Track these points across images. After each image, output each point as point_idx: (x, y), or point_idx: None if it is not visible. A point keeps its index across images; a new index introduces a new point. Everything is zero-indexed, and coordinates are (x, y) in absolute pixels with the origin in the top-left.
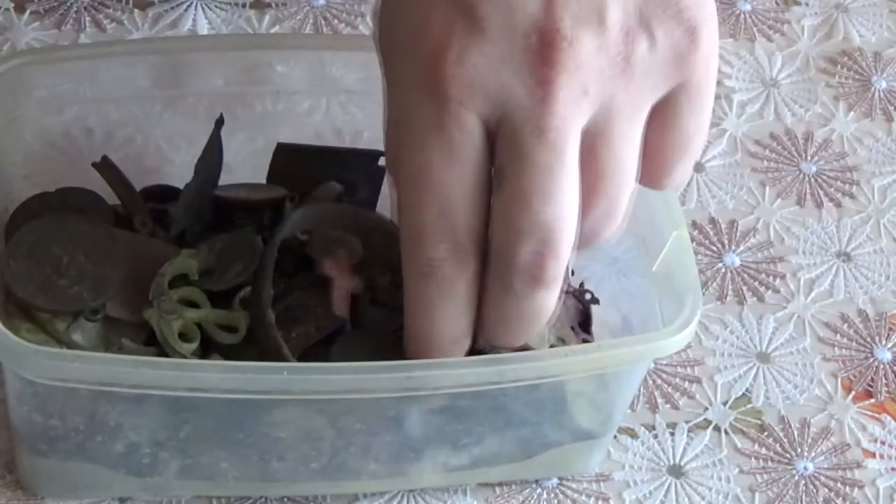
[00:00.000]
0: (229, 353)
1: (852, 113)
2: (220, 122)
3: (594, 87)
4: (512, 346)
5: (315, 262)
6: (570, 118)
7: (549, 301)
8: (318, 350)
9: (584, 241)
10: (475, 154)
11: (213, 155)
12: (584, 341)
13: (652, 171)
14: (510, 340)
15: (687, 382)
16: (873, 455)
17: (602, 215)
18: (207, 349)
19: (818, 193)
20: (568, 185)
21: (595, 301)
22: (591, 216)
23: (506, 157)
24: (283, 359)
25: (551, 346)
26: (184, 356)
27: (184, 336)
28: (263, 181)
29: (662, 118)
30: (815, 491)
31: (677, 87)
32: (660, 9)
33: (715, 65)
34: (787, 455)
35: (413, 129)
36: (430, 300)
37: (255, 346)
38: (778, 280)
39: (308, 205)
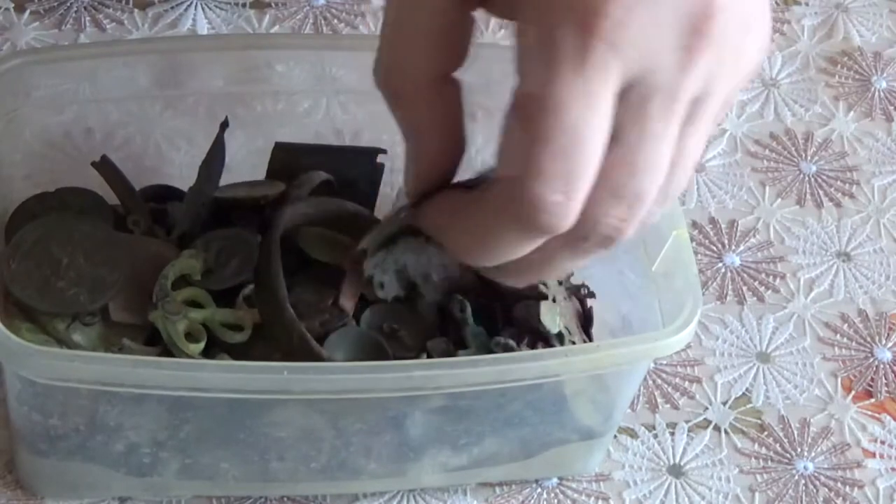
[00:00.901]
0: (235, 351)
1: (852, 113)
2: (224, 125)
3: (714, 75)
4: (531, 281)
5: (311, 258)
6: (693, 93)
7: (591, 258)
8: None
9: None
10: (608, 110)
11: (216, 158)
12: (584, 342)
13: None
14: (539, 277)
15: (687, 382)
16: (873, 455)
17: (661, 204)
18: (213, 349)
19: (818, 193)
20: (669, 159)
21: (591, 295)
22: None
23: (629, 118)
24: (310, 351)
25: (558, 333)
26: (191, 357)
27: (190, 336)
28: None
29: None
30: (815, 491)
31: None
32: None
33: None
34: (787, 455)
35: (557, 70)
36: (510, 243)
37: (262, 344)
38: (778, 280)
39: (296, 201)
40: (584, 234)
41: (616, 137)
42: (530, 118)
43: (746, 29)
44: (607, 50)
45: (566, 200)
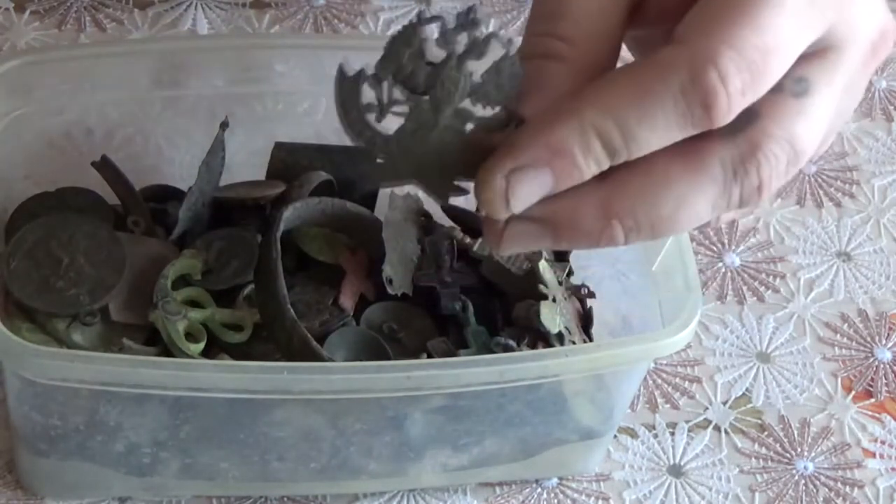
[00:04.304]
0: (235, 351)
1: (852, 113)
2: (224, 125)
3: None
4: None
5: (311, 258)
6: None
7: (725, 210)
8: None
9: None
10: (803, 49)
11: (216, 157)
12: (584, 342)
13: None
14: (638, 222)
15: (687, 382)
16: (873, 455)
17: None
18: (213, 349)
19: (818, 193)
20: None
21: (591, 295)
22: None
23: (820, 75)
24: (310, 351)
25: (558, 333)
26: (191, 357)
27: (190, 336)
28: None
29: None
30: (815, 491)
31: None
32: None
33: None
34: (787, 455)
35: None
36: (660, 119)
37: (262, 344)
38: (778, 280)
39: (296, 202)
40: (744, 171)
41: (803, 86)
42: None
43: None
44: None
45: (739, 94)
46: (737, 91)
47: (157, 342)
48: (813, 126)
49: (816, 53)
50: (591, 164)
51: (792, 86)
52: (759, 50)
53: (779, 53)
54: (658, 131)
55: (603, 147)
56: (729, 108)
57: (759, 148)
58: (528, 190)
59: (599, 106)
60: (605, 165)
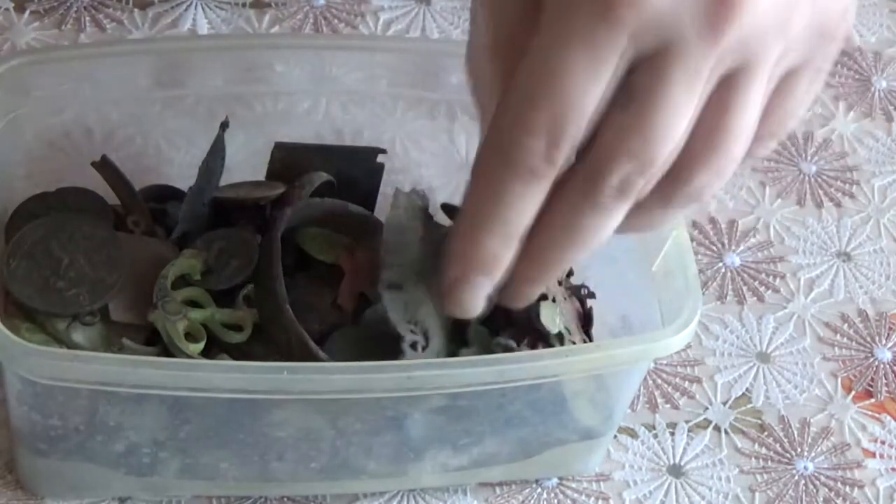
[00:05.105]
0: (235, 351)
1: (852, 113)
2: (224, 125)
3: (751, 45)
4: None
5: (311, 258)
6: (719, 69)
7: (615, 219)
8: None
9: (690, 197)
10: (613, 76)
11: (216, 157)
12: (584, 342)
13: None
14: (573, 246)
15: (687, 382)
16: (873, 455)
17: (714, 173)
18: (213, 349)
19: (818, 193)
20: (686, 127)
21: (591, 295)
22: (705, 171)
23: (645, 85)
24: (308, 352)
25: (558, 333)
26: (191, 357)
27: (190, 336)
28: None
29: (778, 91)
30: (815, 491)
31: (805, 63)
32: None
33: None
34: (787, 455)
35: (566, 39)
36: (506, 188)
37: (261, 344)
38: (778, 280)
39: (299, 202)
40: (599, 186)
41: (632, 96)
42: (532, 74)
43: (797, 5)
44: (619, 26)
45: (551, 151)
46: (544, 150)
47: (157, 342)
48: (653, 126)
49: (646, 57)
50: (501, 255)
51: (620, 97)
52: (551, 111)
53: (571, 105)
54: (522, 211)
55: (498, 241)
56: (548, 161)
57: (597, 165)
58: (469, 297)
59: (466, 219)
60: (514, 244)
